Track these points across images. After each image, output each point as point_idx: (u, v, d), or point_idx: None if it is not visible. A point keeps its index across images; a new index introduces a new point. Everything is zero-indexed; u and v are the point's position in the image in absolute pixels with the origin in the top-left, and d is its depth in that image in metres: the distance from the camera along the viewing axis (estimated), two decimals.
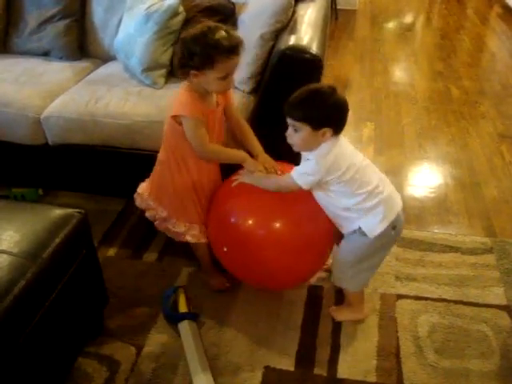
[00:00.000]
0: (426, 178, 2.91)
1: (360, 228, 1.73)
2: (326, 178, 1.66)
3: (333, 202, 1.74)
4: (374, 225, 1.72)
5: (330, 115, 1.62)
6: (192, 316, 1.95)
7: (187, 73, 1.71)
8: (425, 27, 5.84)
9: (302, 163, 1.74)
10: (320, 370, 1.80)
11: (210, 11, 2.48)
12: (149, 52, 2.41)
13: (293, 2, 2.41)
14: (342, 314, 2.00)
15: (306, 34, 2.21)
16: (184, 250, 2.26)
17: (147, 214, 2.05)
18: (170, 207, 1.96)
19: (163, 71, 2.44)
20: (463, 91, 3.99)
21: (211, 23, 1.72)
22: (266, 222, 1.79)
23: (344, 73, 4.29)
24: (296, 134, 1.66)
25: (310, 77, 2.03)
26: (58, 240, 1.52)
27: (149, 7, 2.42)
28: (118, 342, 1.89)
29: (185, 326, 1.90)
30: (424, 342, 1.89)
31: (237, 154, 1.89)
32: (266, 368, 1.81)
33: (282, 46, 2.09)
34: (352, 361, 1.84)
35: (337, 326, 1.96)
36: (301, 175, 1.70)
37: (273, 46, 2.28)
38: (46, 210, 1.67)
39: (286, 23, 2.33)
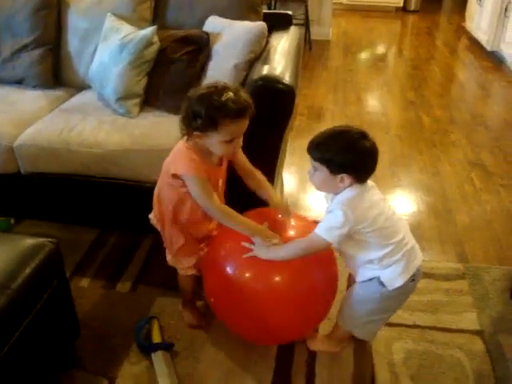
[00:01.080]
0: (400, 206, 2.94)
1: (379, 278, 1.64)
2: (355, 227, 1.54)
3: (359, 253, 1.64)
4: (394, 277, 1.62)
5: (350, 161, 1.52)
6: (166, 346, 1.92)
7: (190, 133, 1.63)
8: (396, 58, 5.98)
9: (326, 216, 1.60)
10: None
11: (185, 41, 2.50)
12: (123, 81, 2.42)
13: (266, 33, 2.46)
14: (318, 345, 1.95)
15: (279, 64, 2.25)
16: (159, 279, 2.25)
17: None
18: (164, 238, 1.92)
19: (137, 100, 2.45)
20: (434, 120, 4.07)
21: (220, 83, 1.61)
22: (264, 272, 1.69)
23: (318, 102, 4.35)
24: (315, 174, 1.58)
25: (282, 107, 2.06)
26: (28, 270, 1.49)
27: (123, 37, 2.44)
28: (90, 374, 1.85)
29: (158, 357, 1.87)
30: (399, 369, 1.89)
31: (248, 224, 1.73)
32: None
33: (255, 75, 2.12)
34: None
35: (312, 355, 1.95)
36: (327, 230, 1.56)
37: (246, 76, 2.32)
38: (17, 239, 1.64)
39: (260, 53, 2.38)
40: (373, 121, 4.08)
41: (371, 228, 1.55)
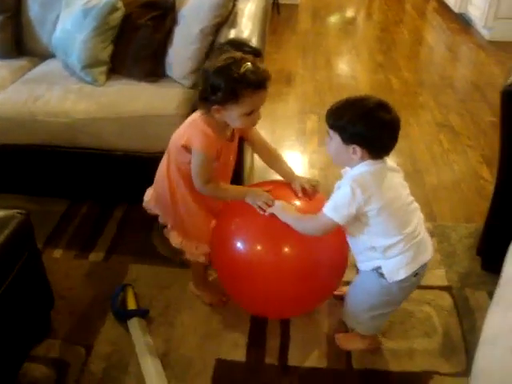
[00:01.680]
0: None
1: (380, 268, 1.55)
2: (365, 207, 1.45)
3: (363, 237, 1.55)
4: (396, 269, 1.53)
5: (361, 131, 1.43)
6: (141, 313, 1.94)
7: (209, 107, 1.57)
8: (365, 21, 5.96)
9: (333, 194, 1.52)
10: (271, 359, 1.83)
11: (150, 6, 2.46)
12: (88, 49, 2.37)
13: None
14: (350, 344, 1.86)
15: (246, 27, 2.24)
16: (132, 248, 2.26)
17: (160, 220, 1.93)
18: (173, 220, 1.86)
19: (104, 68, 2.41)
20: (403, 82, 4.09)
21: (237, 54, 1.54)
22: (269, 247, 1.67)
23: (287, 67, 4.33)
24: (330, 143, 1.51)
25: None
26: None
27: (86, 3, 2.39)
28: (67, 343, 1.86)
29: (134, 323, 1.89)
30: None
31: (238, 191, 1.77)
32: (218, 360, 1.82)
33: (221, 39, 2.11)
34: (302, 348, 1.87)
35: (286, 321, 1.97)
36: (334, 209, 1.47)
37: (213, 41, 2.29)
38: None
39: (226, 17, 2.35)
40: (342, 84, 4.08)
41: (381, 213, 1.46)
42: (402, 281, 1.54)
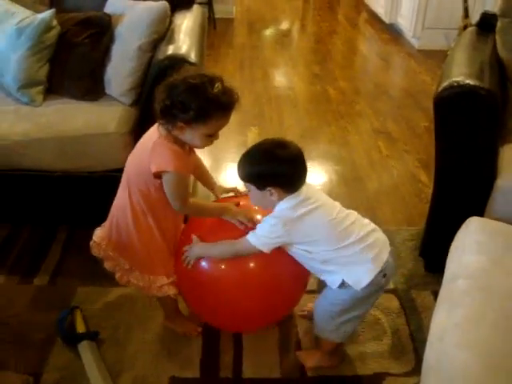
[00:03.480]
0: (311, 177, 3.00)
1: (343, 282, 1.56)
2: (294, 240, 1.55)
3: (308, 261, 1.60)
4: (359, 276, 1.55)
5: (266, 174, 1.51)
6: (91, 335, 1.90)
7: (172, 123, 1.50)
8: (300, 33, 6.09)
9: (261, 224, 1.58)
10: (225, 373, 1.83)
11: (86, 24, 2.42)
12: (23, 69, 2.31)
13: (169, 12, 2.43)
14: (314, 361, 1.85)
15: (184, 43, 2.25)
16: (77, 270, 2.21)
17: (106, 265, 1.79)
18: (133, 258, 1.74)
19: (40, 88, 2.36)
20: (339, 92, 4.20)
21: (207, 72, 1.54)
22: (232, 263, 1.66)
23: (225, 80, 4.36)
24: (250, 194, 1.59)
25: None
26: None
27: (20, 21, 2.33)
28: (14, 374, 1.79)
29: (84, 347, 1.85)
30: None
31: (214, 206, 1.76)
32: (172, 378, 1.80)
33: (160, 56, 2.11)
34: (256, 360, 1.87)
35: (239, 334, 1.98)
36: (259, 238, 1.55)
37: (151, 57, 2.29)
38: None
39: (163, 33, 2.35)
40: (280, 96, 4.15)
41: (314, 241, 1.54)
42: (369, 285, 1.55)
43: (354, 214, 1.62)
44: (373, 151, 3.28)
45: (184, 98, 1.46)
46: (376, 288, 1.59)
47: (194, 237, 1.69)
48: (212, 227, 1.75)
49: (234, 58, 4.95)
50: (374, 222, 2.46)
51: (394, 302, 2.11)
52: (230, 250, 1.63)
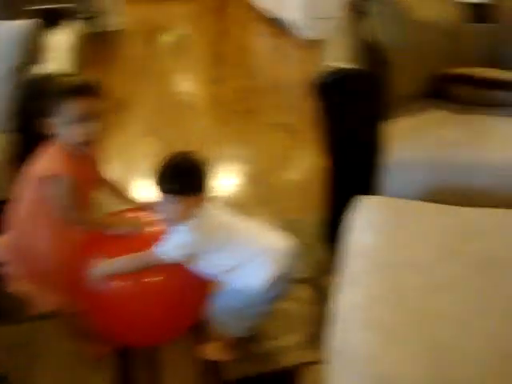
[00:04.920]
0: (220, 182, 2.98)
1: (243, 284, 1.63)
2: (205, 246, 1.59)
3: (206, 269, 1.65)
4: (259, 276, 1.61)
5: (168, 186, 1.56)
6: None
7: (43, 125, 1.59)
8: (195, 38, 6.04)
9: (173, 236, 1.59)
10: None
11: None
12: None
13: (41, 30, 2.33)
14: (211, 353, 1.85)
15: (57, 61, 2.16)
16: None
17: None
18: (23, 266, 1.73)
19: None
20: (237, 91, 4.20)
21: None
22: (133, 276, 1.64)
23: (122, 93, 4.25)
24: (160, 209, 1.62)
25: None
26: None
27: None
28: None
29: None
30: None
31: (112, 220, 1.75)
32: None
33: (32, 76, 2.02)
34: (172, 372, 1.83)
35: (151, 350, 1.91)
36: (174, 248, 1.57)
37: (26, 78, 2.18)
38: None
39: (35, 52, 2.25)
40: (179, 101, 4.11)
41: (217, 248, 1.60)
42: (268, 285, 1.61)
43: (256, 222, 1.77)
44: (273, 145, 3.31)
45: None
46: (275, 288, 1.64)
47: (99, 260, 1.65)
48: (110, 243, 1.71)
49: (127, 69, 4.83)
50: (280, 214, 2.49)
51: (306, 291, 2.12)
52: (137, 264, 1.62)
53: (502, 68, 2.26)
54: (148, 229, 1.71)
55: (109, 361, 1.86)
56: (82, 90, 1.58)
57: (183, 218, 1.60)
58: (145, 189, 2.80)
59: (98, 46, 4.96)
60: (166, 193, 1.56)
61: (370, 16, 2.38)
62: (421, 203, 1.73)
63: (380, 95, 1.99)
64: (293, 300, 2.06)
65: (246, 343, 1.89)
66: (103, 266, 1.64)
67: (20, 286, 1.74)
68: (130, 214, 1.78)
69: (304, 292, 2.11)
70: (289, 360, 1.84)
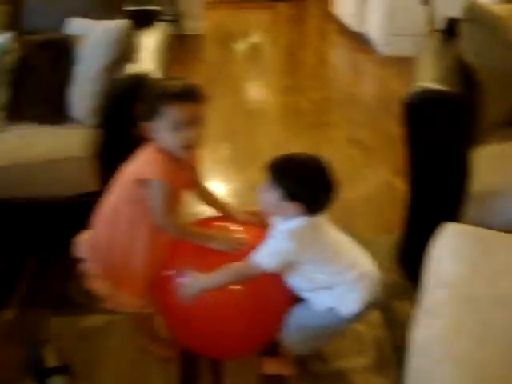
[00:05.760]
0: None
1: (332, 308, 1.57)
2: (298, 257, 1.50)
3: (300, 282, 1.59)
4: (349, 303, 1.56)
5: (304, 194, 1.46)
6: (62, 369, 1.81)
7: (141, 125, 1.55)
8: (270, 46, 6.07)
9: (269, 242, 1.52)
10: None
11: (46, 46, 2.37)
12: None
13: (131, 31, 2.39)
14: (272, 368, 1.82)
15: (146, 61, 2.20)
16: (48, 301, 2.12)
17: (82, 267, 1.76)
18: (103, 266, 1.71)
19: (1, 114, 2.29)
20: (312, 102, 4.17)
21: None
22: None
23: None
24: (267, 193, 1.50)
25: None
26: None
27: None
28: None
29: (55, 382, 1.77)
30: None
31: (204, 233, 1.66)
32: None
33: (123, 75, 2.06)
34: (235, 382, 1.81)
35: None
36: (270, 255, 1.48)
37: (114, 77, 2.23)
38: None
39: (125, 53, 2.30)
40: (253, 109, 4.12)
41: (314, 261, 1.53)
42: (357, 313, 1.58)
43: (353, 242, 1.66)
44: (347, 160, 3.25)
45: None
46: (361, 315, 1.61)
47: (192, 272, 1.59)
48: (199, 251, 1.65)
49: (204, 73, 4.90)
50: (351, 232, 2.43)
51: (375, 314, 2.06)
52: (234, 277, 1.56)
53: None
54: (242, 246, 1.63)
55: (173, 363, 1.87)
56: (187, 95, 1.54)
57: (273, 212, 1.55)
58: (223, 194, 2.82)
59: (179, 48, 5.06)
60: (287, 194, 1.46)
61: (459, 36, 2.30)
62: (508, 235, 1.65)
63: (470, 119, 1.91)
64: (362, 322, 2.01)
65: (311, 361, 1.85)
66: (198, 282, 1.57)
67: (96, 284, 1.74)
68: (218, 223, 1.75)
69: (373, 315, 2.05)
70: (354, 382, 1.79)
